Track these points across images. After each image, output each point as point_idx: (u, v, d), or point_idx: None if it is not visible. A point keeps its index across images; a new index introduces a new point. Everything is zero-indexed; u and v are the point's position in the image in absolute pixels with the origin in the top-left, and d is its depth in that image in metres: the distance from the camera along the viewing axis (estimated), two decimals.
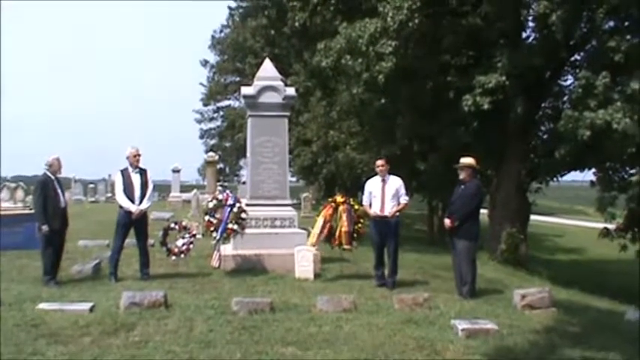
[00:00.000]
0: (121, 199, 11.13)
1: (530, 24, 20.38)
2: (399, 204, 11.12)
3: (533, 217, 23.65)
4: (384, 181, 11.15)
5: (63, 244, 11.04)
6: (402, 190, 11.17)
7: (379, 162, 11.43)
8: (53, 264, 10.61)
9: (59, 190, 10.76)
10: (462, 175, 10.72)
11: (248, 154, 13.56)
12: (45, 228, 10.46)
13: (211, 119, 59.53)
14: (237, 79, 52.30)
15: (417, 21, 16.73)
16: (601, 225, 23.51)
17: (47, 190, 10.56)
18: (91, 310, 8.21)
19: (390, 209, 10.99)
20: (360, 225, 11.73)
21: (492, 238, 20.27)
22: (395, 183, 11.17)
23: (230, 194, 12.17)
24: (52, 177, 10.73)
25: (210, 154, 39.90)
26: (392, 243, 11.09)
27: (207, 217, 11.90)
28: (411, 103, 20.31)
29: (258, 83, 13.41)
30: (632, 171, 20.00)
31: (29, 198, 22.11)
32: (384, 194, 11.06)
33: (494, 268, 17.38)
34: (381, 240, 11.13)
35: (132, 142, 11.58)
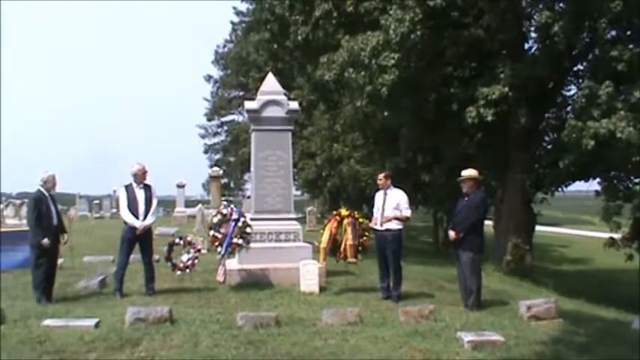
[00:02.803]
0: (126, 214, 11.12)
1: (533, 35, 20.46)
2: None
3: (538, 227, 23.60)
4: (386, 194, 11.16)
5: (56, 261, 10.99)
6: (404, 204, 11.11)
7: (380, 176, 11.45)
8: (45, 281, 10.50)
9: (52, 208, 10.69)
10: (464, 188, 10.73)
11: (252, 169, 13.56)
12: (46, 241, 10.41)
13: (215, 134, 59.76)
14: (241, 93, 52.52)
15: (419, 33, 16.79)
16: (607, 235, 23.45)
17: (40, 206, 10.50)
18: (97, 325, 8.19)
19: (387, 221, 11.01)
20: (365, 238, 11.70)
21: (498, 249, 20.25)
22: (396, 196, 11.14)
23: (234, 209, 12.15)
24: (46, 194, 10.64)
25: (215, 168, 40.02)
26: (392, 257, 11.03)
27: (211, 232, 11.88)
28: (414, 115, 20.33)
29: (261, 97, 13.43)
30: (637, 180, 19.98)
31: None
32: (385, 207, 11.07)
33: (500, 279, 17.35)
34: (383, 253, 11.13)
35: (136, 158, 11.61)
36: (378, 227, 11.11)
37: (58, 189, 11.25)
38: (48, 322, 8.30)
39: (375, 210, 11.38)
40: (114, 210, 40.42)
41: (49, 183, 10.73)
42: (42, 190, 10.64)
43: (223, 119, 59.06)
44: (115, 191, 41.99)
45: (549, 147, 21.33)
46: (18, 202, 34.60)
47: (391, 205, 11.03)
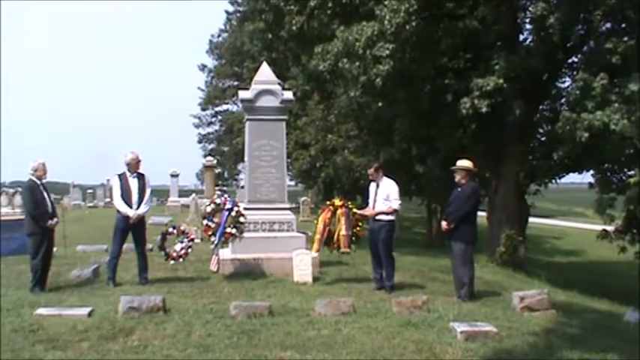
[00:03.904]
0: (119, 203, 11.11)
1: (528, 26, 20.46)
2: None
3: (531, 219, 23.66)
4: (378, 185, 11.19)
5: (51, 249, 10.97)
6: (394, 195, 11.11)
7: (369, 171, 11.50)
8: (43, 270, 10.54)
9: (46, 195, 10.69)
10: (457, 178, 10.75)
11: (246, 158, 13.55)
12: (54, 221, 10.63)
13: (209, 124, 59.79)
14: (235, 83, 52.45)
15: (414, 24, 16.73)
16: (600, 227, 23.51)
17: (35, 194, 10.50)
18: (90, 314, 8.19)
19: (376, 214, 11.06)
20: (358, 228, 11.71)
21: (491, 241, 20.26)
22: (387, 187, 11.16)
23: (228, 198, 12.15)
24: (38, 182, 10.64)
25: (209, 158, 39.98)
26: (382, 248, 11.05)
27: (205, 222, 11.88)
28: (408, 106, 20.32)
29: (255, 87, 13.41)
30: (631, 172, 19.99)
31: None
32: (376, 198, 11.12)
33: (493, 270, 17.37)
34: (376, 244, 11.15)
35: (130, 147, 11.61)
36: (362, 212, 11.29)
37: (52, 178, 11.28)
38: (41, 310, 8.30)
39: (370, 201, 11.42)
40: (107, 199, 40.38)
41: (40, 171, 10.70)
42: (33, 178, 10.62)
43: (217, 109, 59.11)
44: (108, 180, 41.98)
45: (543, 139, 21.36)
46: (11, 190, 34.51)
47: (382, 197, 11.06)
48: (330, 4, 19.16)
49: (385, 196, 11.06)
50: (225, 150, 56.15)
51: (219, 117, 58.74)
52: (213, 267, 11.69)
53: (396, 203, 11.15)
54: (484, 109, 17.09)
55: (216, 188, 34.95)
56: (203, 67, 58.01)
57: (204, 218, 12.04)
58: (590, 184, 21.93)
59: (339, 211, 11.67)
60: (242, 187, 32.68)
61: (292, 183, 50.65)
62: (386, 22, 16.69)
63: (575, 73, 19.16)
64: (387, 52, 16.86)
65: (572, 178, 22.90)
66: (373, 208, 11.15)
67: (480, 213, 11.37)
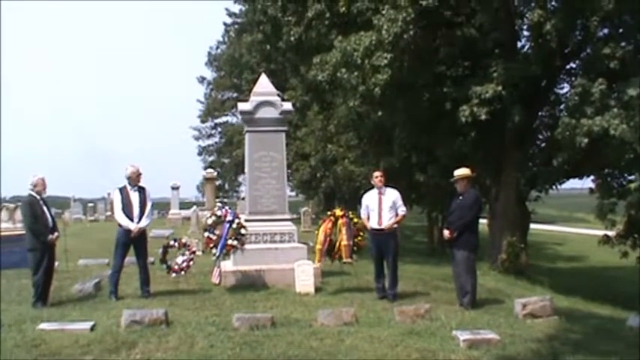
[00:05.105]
0: (120, 217, 11.11)
1: (525, 33, 20.48)
2: (396, 215, 11.11)
3: (533, 225, 23.67)
4: (380, 193, 11.16)
5: (53, 263, 10.94)
6: (400, 202, 11.17)
7: (377, 173, 11.46)
8: (45, 285, 10.51)
9: (46, 210, 10.68)
10: (458, 188, 10.77)
11: (246, 170, 13.55)
12: (55, 235, 10.57)
13: (209, 136, 59.63)
14: (235, 95, 52.41)
15: (411, 33, 16.77)
16: (601, 232, 23.50)
17: (35, 210, 10.48)
18: (92, 329, 8.18)
19: (387, 221, 10.99)
20: (359, 238, 11.70)
21: (492, 248, 20.25)
22: (392, 195, 11.16)
23: (229, 210, 12.14)
24: (38, 197, 10.61)
25: (209, 170, 39.94)
26: (390, 255, 11.06)
27: (206, 234, 11.88)
28: (408, 115, 20.31)
29: (254, 99, 13.43)
30: (631, 177, 20.01)
31: None
32: (381, 206, 11.07)
33: (495, 277, 17.37)
34: (380, 252, 11.13)
35: (130, 161, 11.65)
36: (376, 226, 11.11)
37: (53, 192, 11.31)
38: (43, 325, 8.28)
39: (363, 210, 11.39)
40: (108, 213, 40.38)
41: (40, 186, 10.68)
42: (33, 194, 10.61)
43: (217, 121, 58.93)
44: (109, 194, 42.00)
45: (543, 145, 21.36)
46: (12, 205, 34.49)
47: (387, 205, 11.05)
48: (327, 15, 19.24)
49: (391, 203, 11.07)
50: (226, 162, 56.02)
51: (219, 129, 58.62)
52: (215, 279, 11.68)
53: (402, 209, 11.19)
54: (483, 117, 17.10)
55: (217, 200, 34.93)
56: (202, 80, 57.98)
57: (205, 230, 12.05)
58: (591, 190, 21.93)
59: (340, 221, 11.68)
60: (243, 198, 32.67)
61: (293, 194, 50.57)
62: (384, 32, 16.73)
63: (573, 78, 19.16)
64: (386, 61, 16.89)
65: (573, 183, 22.89)
66: (380, 216, 11.10)
67: (480, 220, 11.39)
